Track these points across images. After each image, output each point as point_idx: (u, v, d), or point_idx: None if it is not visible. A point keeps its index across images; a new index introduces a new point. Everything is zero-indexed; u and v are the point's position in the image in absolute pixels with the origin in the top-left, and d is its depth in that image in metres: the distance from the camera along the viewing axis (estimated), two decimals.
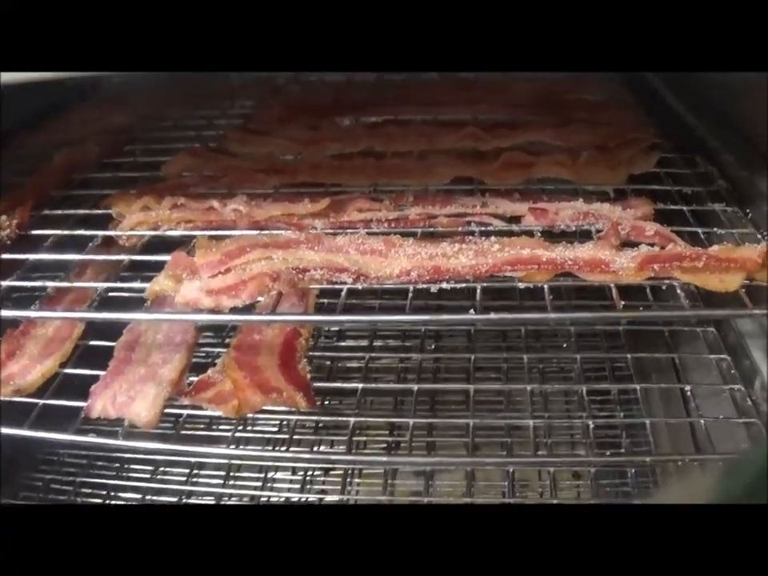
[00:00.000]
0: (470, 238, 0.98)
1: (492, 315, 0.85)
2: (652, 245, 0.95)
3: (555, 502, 1.11)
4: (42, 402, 1.01)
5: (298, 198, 1.07)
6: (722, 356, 1.05)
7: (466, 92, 1.37)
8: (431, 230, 1.03)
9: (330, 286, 0.94)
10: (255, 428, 1.47)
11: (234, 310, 0.92)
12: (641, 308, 0.96)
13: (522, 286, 0.91)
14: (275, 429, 1.45)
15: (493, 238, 0.97)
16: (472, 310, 0.86)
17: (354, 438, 1.41)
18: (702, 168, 1.14)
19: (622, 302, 0.86)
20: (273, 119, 1.33)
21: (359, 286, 0.93)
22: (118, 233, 1.09)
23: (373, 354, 1.28)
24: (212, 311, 0.91)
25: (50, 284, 1.02)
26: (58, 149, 1.31)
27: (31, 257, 1.06)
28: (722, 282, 0.88)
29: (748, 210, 1.02)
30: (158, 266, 1.00)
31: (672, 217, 1.05)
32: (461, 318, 0.87)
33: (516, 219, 1.04)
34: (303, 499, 1.43)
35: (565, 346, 1.36)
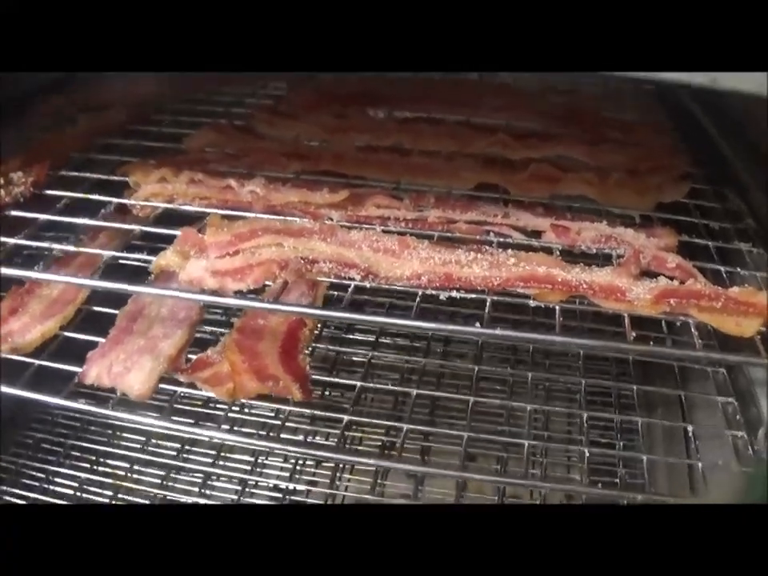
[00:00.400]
0: (487, 248, 0.96)
1: (498, 331, 0.83)
2: (672, 278, 0.93)
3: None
4: (37, 362, 1.00)
5: (317, 187, 1.05)
6: (729, 399, 1.02)
7: (502, 97, 1.34)
8: (449, 234, 1.01)
9: (338, 281, 0.92)
10: (252, 410, 1.45)
11: (239, 294, 0.90)
12: (651, 342, 0.93)
13: (533, 304, 0.89)
14: (271, 414, 1.44)
15: (510, 251, 0.95)
16: (478, 323, 0.84)
17: (348, 433, 1.42)
18: (733, 204, 1.11)
19: (634, 333, 0.84)
20: (303, 104, 1.31)
21: (367, 284, 0.90)
22: (132, 201, 1.08)
23: (377, 353, 1.26)
24: (215, 293, 0.90)
25: (56, 246, 1.01)
26: (84, 111, 1.29)
27: (41, 217, 1.05)
28: (738, 326, 0.86)
29: None
30: (170, 239, 0.99)
31: (696, 251, 1.03)
32: (466, 329, 0.84)
33: (537, 234, 1.01)
34: (291, 487, 1.41)
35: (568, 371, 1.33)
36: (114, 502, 1.35)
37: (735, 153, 1.17)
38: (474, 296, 0.90)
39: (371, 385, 1.12)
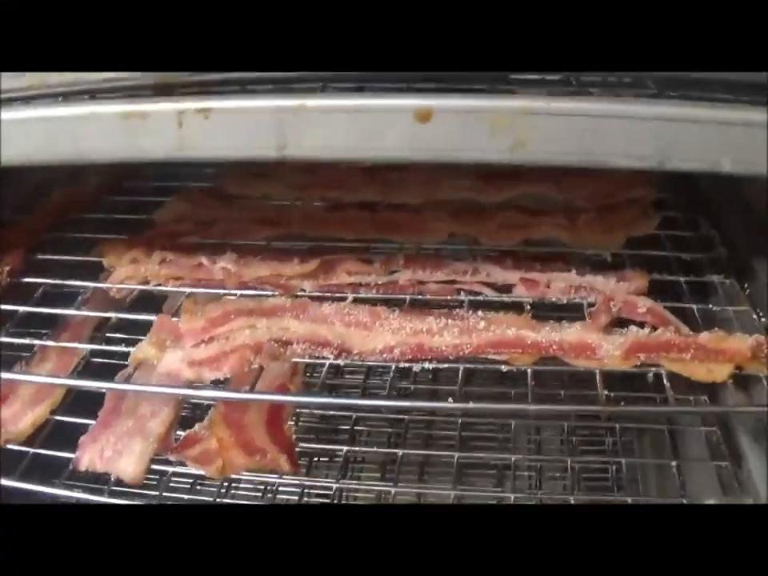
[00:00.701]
0: (457, 312, 0.96)
1: (471, 405, 0.84)
2: (644, 324, 0.94)
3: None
4: (32, 451, 1.02)
5: (288, 257, 1.06)
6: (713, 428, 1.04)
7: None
8: (420, 297, 1.01)
9: (312, 361, 0.93)
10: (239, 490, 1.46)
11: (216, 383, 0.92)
12: (622, 402, 0.93)
13: (505, 369, 0.89)
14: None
15: (480, 313, 0.96)
16: (450, 399, 0.85)
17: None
18: (704, 230, 1.11)
19: (607, 392, 0.85)
20: None
21: (341, 362, 0.92)
22: (108, 285, 1.09)
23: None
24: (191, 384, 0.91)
25: (36, 342, 1.03)
26: (56, 183, 1.30)
27: (21, 309, 1.06)
28: (709, 373, 0.87)
29: (746, 285, 0.99)
30: (148, 325, 1.00)
31: (668, 288, 1.03)
32: (438, 405, 0.86)
33: (508, 288, 1.02)
34: None
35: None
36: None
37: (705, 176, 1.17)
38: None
39: (357, 448, 1.13)
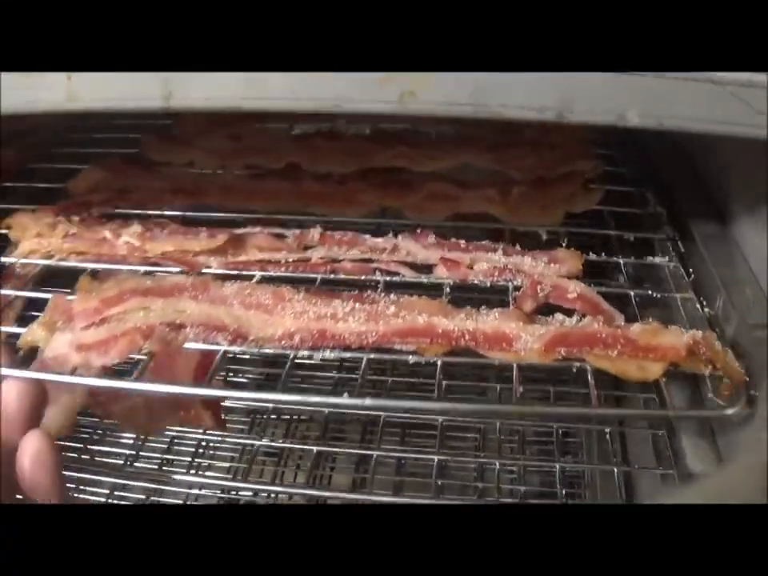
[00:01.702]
0: (369, 294, 0.81)
1: (368, 401, 0.69)
2: (573, 311, 0.79)
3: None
4: None
5: (196, 232, 0.91)
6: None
7: None
8: (332, 276, 0.86)
9: (205, 347, 0.78)
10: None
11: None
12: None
13: (412, 360, 0.74)
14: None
15: (392, 296, 0.80)
16: (346, 394, 0.70)
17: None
18: (652, 208, 0.94)
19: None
20: (198, 124, 1.15)
21: (236, 349, 0.77)
22: (12, 260, 0.94)
23: None
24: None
25: None
26: None
27: None
28: (641, 371, 0.72)
29: (691, 270, 0.83)
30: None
31: (606, 270, 0.87)
32: (330, 401, 0.71)
33: (428, 268, 0.86)
34: None
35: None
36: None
37: (657, 148, 1.01)
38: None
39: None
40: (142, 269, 0.90)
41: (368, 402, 0.70)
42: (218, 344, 0.77)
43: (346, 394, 0.71)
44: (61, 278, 0.93)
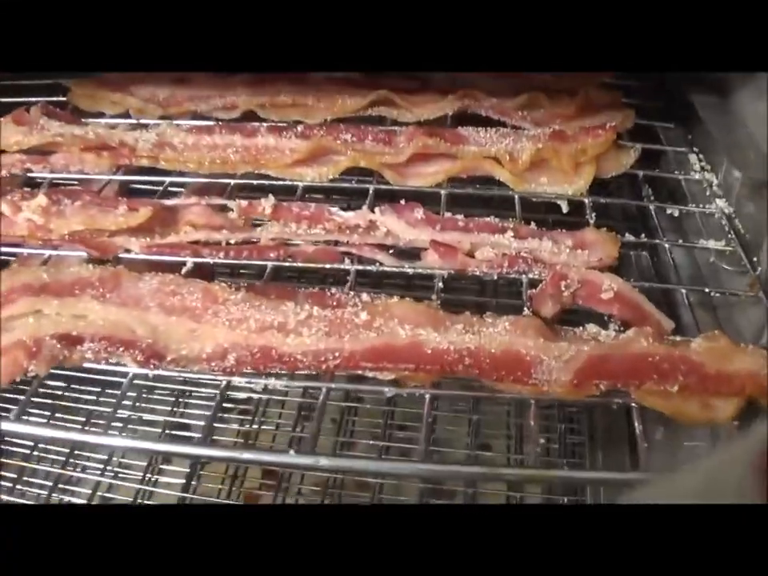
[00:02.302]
0: (332, 292, 0.57)
1: (322, 461, 0.45)
2: (609, 318, 0.54)
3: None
4: None
5: (113, 203, 0.65)
6: None
7: None
8: (286, 264, 0.61)
9: (108, 368, 0.54)
10: None
11: None
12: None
13: (389, 393, 0.50)
14: None
15: (364, 296, 0.56)
16: (292, 451, 0.46)
17: None
18: (698, 172, 0.69)
19: None
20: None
21: (148, 373, 0.53)
22: None
23: None
24: None
25: None
26: None
27: None
28: (706, 410, 0.49)
29: (755, 259, 0.59)
30: None
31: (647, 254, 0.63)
32: (269, 458, 0.47)
33: (415, 254, 0.61)
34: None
35: None
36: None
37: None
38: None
39: None
40: (46, 252, 0.65)
41: (323, 461, 0.46)
42: (121, 365, 0.53)
43: (291, 451, 0.46)
44: None
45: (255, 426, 1.03)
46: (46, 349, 0.54)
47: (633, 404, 0.49)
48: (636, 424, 0.48)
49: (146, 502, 0.99)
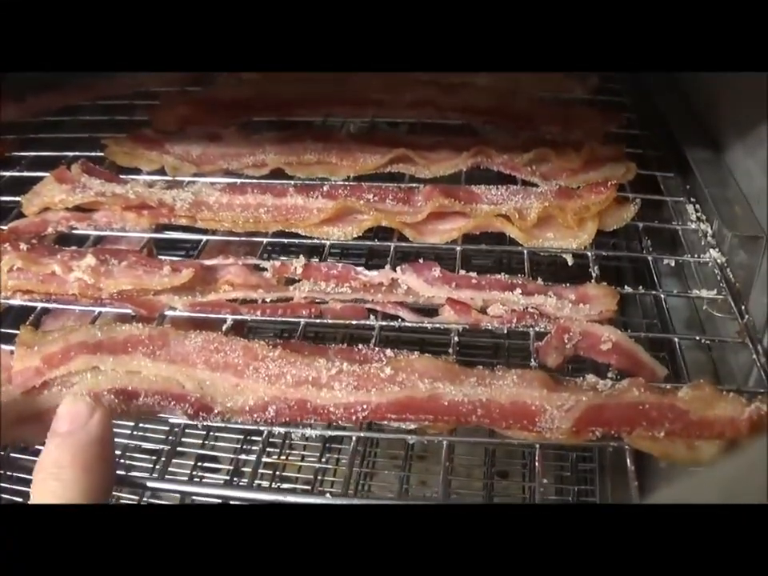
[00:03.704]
0: (359, 348, 0.66)
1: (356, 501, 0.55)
2: (608, 367, 0.64)
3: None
4: None
5: (158, 264, 0.75)
6: None
7: (413, 90, 0.99)
8: (318, 320, 0.71)
9: (164, 417, 0.64)
10: None
11: None
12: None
13: (411, 440, 0.60)
14: None
15: (388, 352, 0.65)
16: (328, 494, 0.56)
17: None
18: (695, 222, 0.78)
19: None
20: (174, 122, 0.98)
21: (198, 425, 0.62)
22: None
23: None
24: None
25: None
26: None
27: None
28: (691, 452, 0.57)
29: (744, 308, 0.68)
30: None
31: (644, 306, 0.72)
32: (308, 501, 0.56)
33: (433, 309, 0.71)
34: None
35: None
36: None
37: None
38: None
39: None
40: (96, 310, 0.75)
41: (356, 501, 0.56)
42: (173, 416, 0.63)
43: (328, 495, 0.56)
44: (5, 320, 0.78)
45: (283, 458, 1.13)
46: (105, 403, 0.64)
47: (626, 446, 0.58)
48: (628, 464, 0.57)
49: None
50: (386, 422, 0.61)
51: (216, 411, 0.63)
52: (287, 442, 1.13)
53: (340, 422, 0.61)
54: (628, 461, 0.57)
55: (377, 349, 0.67)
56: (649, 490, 0.84)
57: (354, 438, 0.61)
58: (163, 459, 0.59)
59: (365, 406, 0.61)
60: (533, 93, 0.99)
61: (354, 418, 0.61)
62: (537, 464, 0.59)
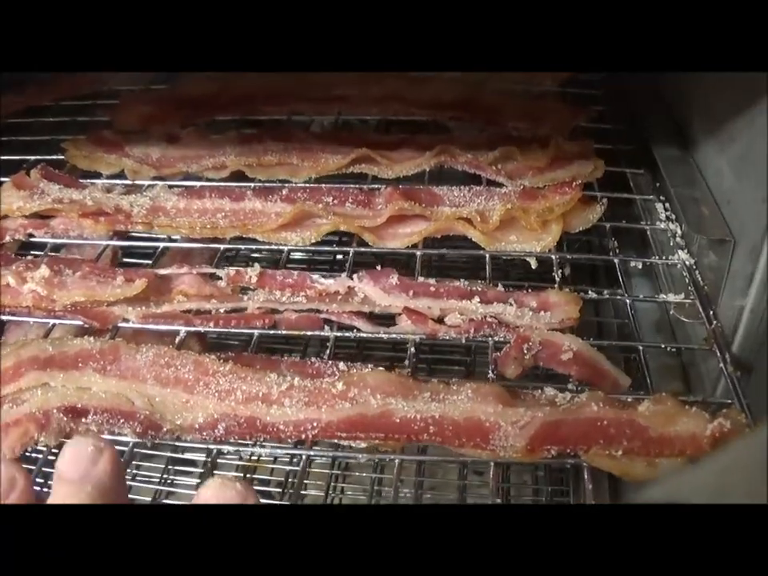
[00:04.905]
0: (312, 361, 0.64)
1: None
2: (569, 378, 0.61)
3: None
4: None
5: (111, 274, 0.73)
6: None
7: (380, 82, 0.96)
8: (271, 332, 0.68)
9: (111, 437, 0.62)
10: None
11: None
12: None
13: (363, 459, 0.58)
14: None
15: (341, 365, 0.63)
16: None
17: None
18: (664, 222, 0.75)
19: None
20: (136, 122, 0.96)
21: (147, 443, 0.60)
22: None
23: None
24: None
25: None
26: None
27: None
28: (651, 469, 0.55)
29: (712, 313, 0.66)
30: None
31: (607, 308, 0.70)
32: None
33: (391, 319, 0.69)
34: None
35: None
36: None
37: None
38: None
39: None
40: (50, 322, 0.73)
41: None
42: (121, 434, 0.61)
43: None
44: None
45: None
46: (54, 421, 0.62)
47: (584, 464, 0.56)
48: (586, 482, 0.55)
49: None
50: (335, 441, 0.59)
51: (165, 429, 0.61)
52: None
53: (289, 440, 0.59)
54: (586, 478, 0.55)
55: (330, 362, 0.65)
56: (624, 490, 0.83)
57: (303, 457, 0.59)
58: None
59: (315, 424, 0.58)
60: (502, 84, 0.96)
61: (303, 435, 0.59)
62: (491, 483, 0.57)
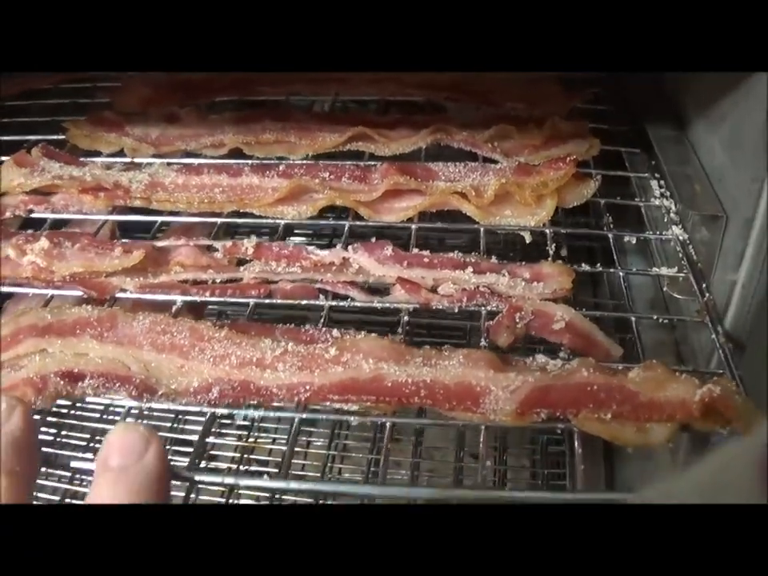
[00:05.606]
0: (306, 329, 0.65)
1: (293, 484, 0.53)
2: (560, 347, 0.62)
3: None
4: None
5: (109, 246, 0.74)
6: None
7: None
8: (268, 301, 0.69)
9: (107, 401, 0.62)
10: None
11: None
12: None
13: (354, 421, 0.58)
14: None
15: (335, 332, 0.64)
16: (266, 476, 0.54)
17: None
18: (658, 198, 0.76)
19: None
20: (136, 103, 0.96)
21: (143, 406, 0.61)
22: None
23: None
24: None
25: None
26: None
27: None
28: (641, 434, 0.56)
29: (705, 286, 0.66)
30: None
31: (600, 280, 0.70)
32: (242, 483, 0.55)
33: (385, 290, 0.69)
34: None
35: None
36: None
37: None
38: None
39: None
40: (49, 293, 0.73)
41: (293, 484, 0.54)
42: (117, 398, 0.62)
43: (266, 476, 0.54)
44: None
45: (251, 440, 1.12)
46: (51, 385, 0.63)
47: (574, 428, 0.56)
48: (576, 446, 0.56)
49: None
50: (328, 404, 0.59)
51: (160, 393, 0.62)
52: (255, 424, 1.12)
53: (282, 402, 0.60)
54: (576, 443, 0.56)
55: (323, 329, 0.65)
56: (620, 475, 0.83)
57: (295, 419, 0.59)
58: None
59: (307, 387, 0.59)
60: None
61: (296, 399, 0.59)
62: (481, 446, 0.57)
